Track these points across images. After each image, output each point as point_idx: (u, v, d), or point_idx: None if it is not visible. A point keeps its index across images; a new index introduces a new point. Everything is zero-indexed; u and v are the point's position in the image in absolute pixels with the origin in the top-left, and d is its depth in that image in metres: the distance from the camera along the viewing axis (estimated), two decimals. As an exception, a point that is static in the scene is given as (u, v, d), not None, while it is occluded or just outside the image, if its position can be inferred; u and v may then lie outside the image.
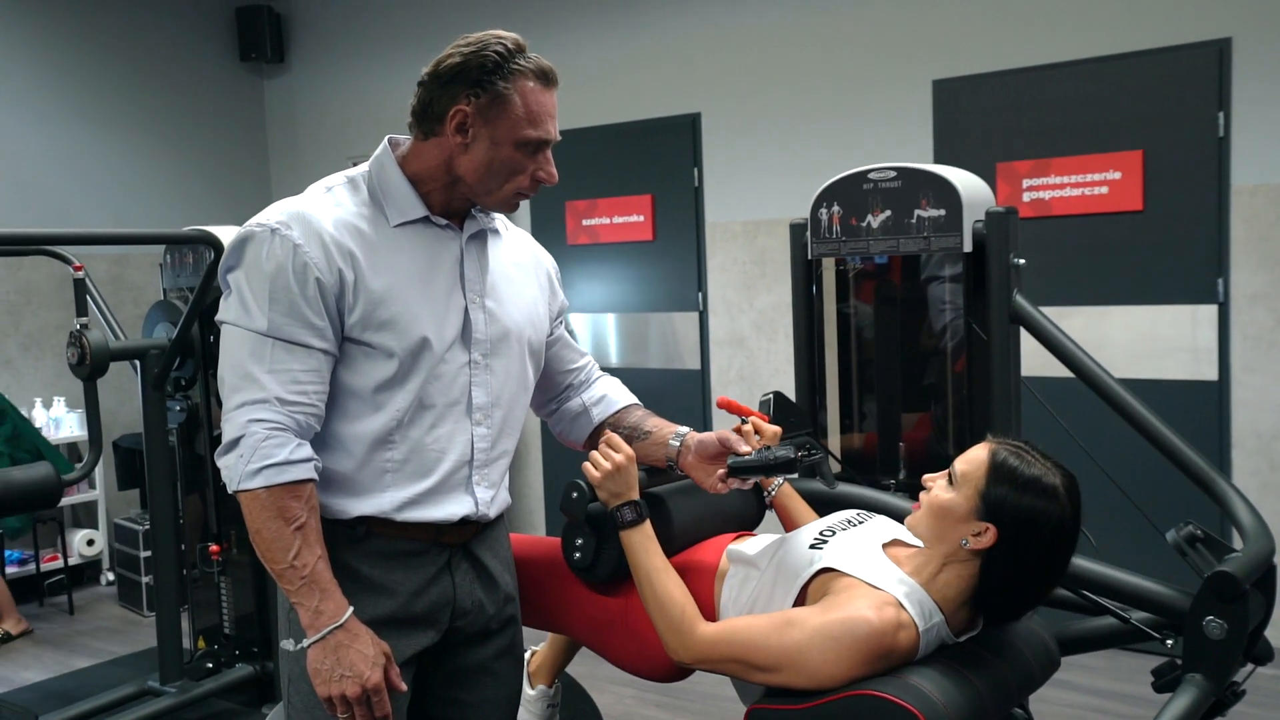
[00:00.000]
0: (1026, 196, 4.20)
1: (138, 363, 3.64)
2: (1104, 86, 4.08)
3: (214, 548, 3.77)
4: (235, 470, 1.57)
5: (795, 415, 2.26)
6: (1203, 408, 3.98)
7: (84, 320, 3.31)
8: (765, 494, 2.13)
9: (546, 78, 1.64)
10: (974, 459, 1.68)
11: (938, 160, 4.38)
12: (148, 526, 5.10)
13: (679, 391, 5.17)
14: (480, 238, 1.76)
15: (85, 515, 5.63)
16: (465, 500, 1.73)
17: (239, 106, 6.65)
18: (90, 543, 5.45)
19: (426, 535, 1.71)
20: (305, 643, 1.59)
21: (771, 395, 2.23)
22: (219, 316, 1.65)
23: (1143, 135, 4.01)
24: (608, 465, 1.82)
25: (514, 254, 1.85)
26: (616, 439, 1.85)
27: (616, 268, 5.39)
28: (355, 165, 1.76)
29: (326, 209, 1.65)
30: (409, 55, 6.11)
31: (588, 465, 1.84)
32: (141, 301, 5.96)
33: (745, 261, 5.02)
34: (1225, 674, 1.85)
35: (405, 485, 1.68)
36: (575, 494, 1.91)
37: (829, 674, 1.58)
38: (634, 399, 2.01)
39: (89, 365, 3.30)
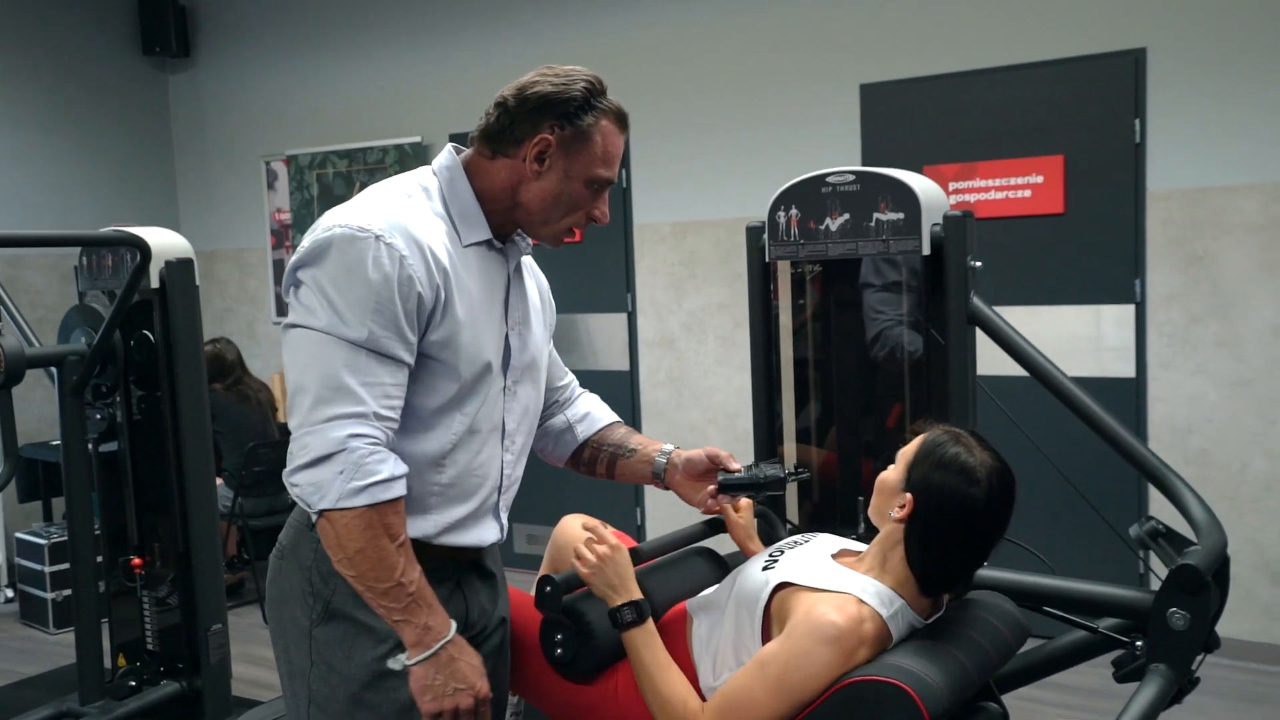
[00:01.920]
0: (953, 199, 4.29)
1: (54, 370, 3.48)
2: (1026, 93, 4.20)
3: (136, 561, 3.62)
4: (331, 487, 1.50)
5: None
6: (1121, 404, 4.12)
7: (-2, 326, 3.16)
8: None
9: (623, 121, 1.67)
10: (914, 440, 1.77)
11: (865, 163, 4.45)
12: (54, 540, 4.91)
13: (608, 393, 5.11)
14: (519, 265, 1.76)
15: (-19, 529, 5.37)
16: (493, 526, 1.75)
17: (142, 102, 6.42)
18: (-12, 558, 5.20)
19: (448, 552, 1.70)
20: (412, 660, 1.56)
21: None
22: (293, 319, 1.55)
23: (1064, 140, 4.13)
24: (593, 558, 1.80)
25: (531, 279, 1.85)
26: (600, 529, 1.85)
27: (544, 269, 5.33)
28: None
29: (420, 220, 1.59)
30: (320, 50, 5.97)
31: (575, 560, 1.82)
32: (40, 305, 5.71)
33: (674, 263, 5.03)
34: (1187, 663, 1.91)
35: (448, 509, 1.66)
36: (548, 588, 1.83)
37: (815, 688, 1.60)
38: (616, 417, 2.03)
39: (4, 372, 3.14)
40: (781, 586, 1.72)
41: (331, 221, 1.55)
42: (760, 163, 4.75)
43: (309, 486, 1.51)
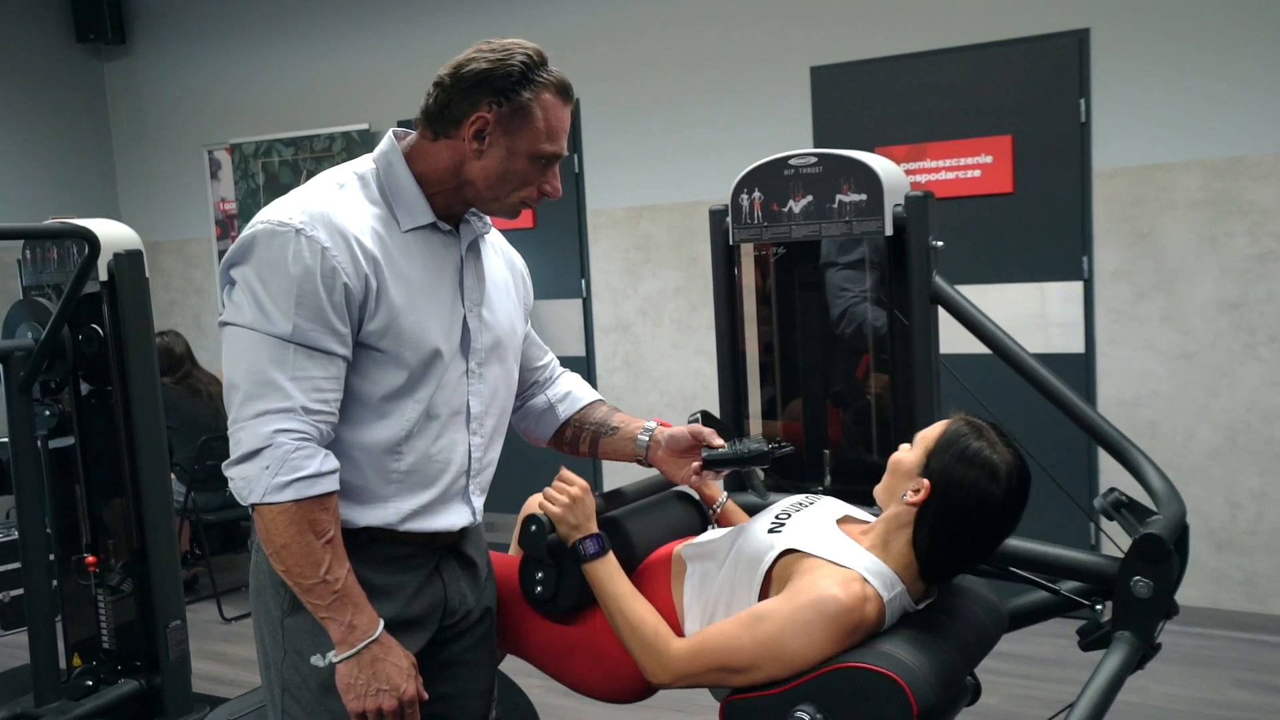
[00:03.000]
0: (904, 180, 4.34)
1: (0, 365, 3.40)
2: (974, 74, 4.25)
3: (90, 558, 3.56)
4: (259, 482, 1.50)
5: (723, 432, 2.26)
6: (1071, 379, 4.15)
7: (-59, 322, 3.08)
8: (710, 510, 2.15)
9: (566, 93, 1.63)
10: (936, 425, 1.78)
11: (817, 145, 4.48)
12: (0, 540, 4.81)
13: (563, 379, 5.14)
14: (475, 245, 1.73)
15: (-79, 531, 5.22)
16: (464, 510, 1.73)
17: (77, 91, 6.27)
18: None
19: (421, 538, 1.69)
20: (337, 657, 1.56)
21: (699, 414, 2.23)
22: (224, 317, 1.56)
23: (1011, 121, 4.20)
24: (565, 499, 1.81)
25: (498, 258, 1.83)
26: (568, 473, 1.86)
27: (494, 255, 5.32)
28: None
29: (346, 210, 1.58)
30: (263, 36, 5.87)
31: (544, 502, 1.83)
32: (-25, 299, 5.57)
33: (628, 248, 5.03)
34: (1151, 630, 1.96)
35: (409, 496, 1.65)
36: (534, 527, 1.84)
37: (806, 658, 1.61)
38: (597, 395, 2.02)
39: (-52, 370, 3.07)
40: (787, 553, 1.72)
41: (257, 218, 1.57)
42: (713, 147, 4.75)
43: (240, 481, 1.53)
